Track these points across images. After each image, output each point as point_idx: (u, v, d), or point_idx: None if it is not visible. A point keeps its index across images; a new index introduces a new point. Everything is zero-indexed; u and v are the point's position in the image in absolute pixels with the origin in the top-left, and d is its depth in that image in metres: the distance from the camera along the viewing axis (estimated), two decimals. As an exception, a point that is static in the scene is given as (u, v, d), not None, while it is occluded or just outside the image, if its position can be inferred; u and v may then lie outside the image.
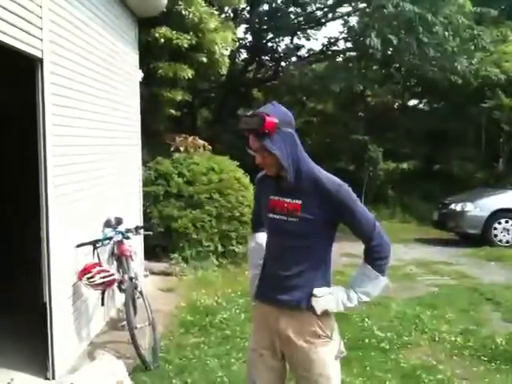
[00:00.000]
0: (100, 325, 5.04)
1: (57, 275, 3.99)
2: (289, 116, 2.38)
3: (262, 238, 2.61)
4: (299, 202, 2.34)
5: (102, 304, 4.75)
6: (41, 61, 3.84)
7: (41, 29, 3.82)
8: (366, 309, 5.74)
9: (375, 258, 2.39)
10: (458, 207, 10.97)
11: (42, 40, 3.83)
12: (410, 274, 8.02)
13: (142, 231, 5.62)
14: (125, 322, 4.77)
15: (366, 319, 5.42)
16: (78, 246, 4.42)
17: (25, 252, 4.73)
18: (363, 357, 4.49)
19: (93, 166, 4.96)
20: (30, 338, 4.18)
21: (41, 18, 3.81)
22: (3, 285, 5.03)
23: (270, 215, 2.42)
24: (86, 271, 4.36)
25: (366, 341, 4.84)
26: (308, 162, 2.40)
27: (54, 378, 3.91)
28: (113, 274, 4.56)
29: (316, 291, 2.36)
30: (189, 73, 8.46)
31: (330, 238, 2.44)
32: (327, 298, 2.36)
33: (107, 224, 5.18)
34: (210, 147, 8.90)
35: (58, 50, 4.13)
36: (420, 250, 10.25)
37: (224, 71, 9.69)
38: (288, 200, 2.37)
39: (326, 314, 2.38)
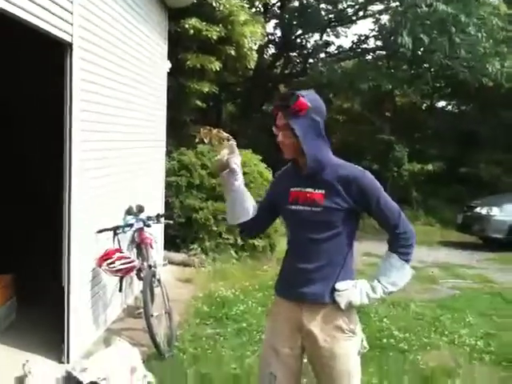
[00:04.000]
0: (117, 311, 5.06)
1: (76, 260, 4.01)
2: (322, 106, 2.36)
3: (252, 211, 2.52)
4: (322, 191, 2.31)
5: (120, 290, 4.77)
6: (70, 46, 3.85)
7: (71, 13, 3.82)
8: (385, 309, 5.67)
9: (401, 245, 2.33)
10: (483, 211, 10.80)
11: (72, 25, 3.83)
12: (431, 276, 7.90)
13: (162, 219, 5.63)
14: (141, 310, 4.79)
15: (385, 319, 5.34)
16: (99, 231, 4.44)
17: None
18: (381, 356, 4.42)
19: (117, 154, 4.98)
20: (48, 320, 4.22)
21: (71, 2, 3.82)
22: (27, 270, 5.07)
23: (293, 207, 2.36)
24: (106, 257, 4.37)
25: (384, 341, 4.77)
26: (329, 153, 2.37)
27: (68, 362, 3.93)
28: (133, 261, 4.57)
29: (338, 285, 2.30)
30: (216, 65, 8.44)
31: (353, 230, 2.39)
32: (350, 291, 2.29)
33: (129, 211, 5.20)
34: (234, 140, 8.85)
35: (88, 35, 4.14)
36: (443, 253, 10.10)
37: (252, 65, 9.64)
38: (310, 190, 2.33)
39: (350, 308, 2.32)
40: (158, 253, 5.80)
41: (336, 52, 16.87)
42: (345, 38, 20.36)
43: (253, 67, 10.04)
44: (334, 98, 17.01)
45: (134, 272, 4.81)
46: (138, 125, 5.74)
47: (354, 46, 16.71)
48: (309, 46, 16.60)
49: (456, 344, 4.88)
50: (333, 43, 16.77)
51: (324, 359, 2.33)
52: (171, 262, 6.87)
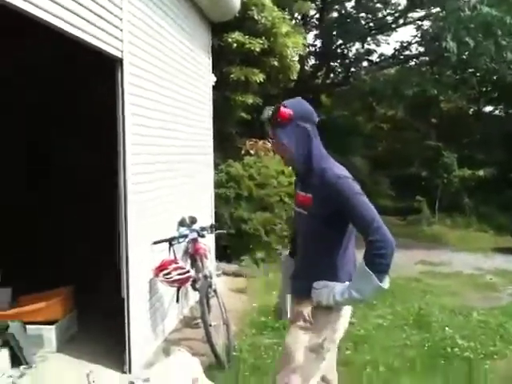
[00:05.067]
0: (174, 322, 5.08)
1: (134, 271, 4.05)
2: (307, 111, 2.47)
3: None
4: (310, 195, 2.44)
5: (177, 301, 4.78)
6: (121, 61, 3.93)
7: (121, 30, 3.91)
8: (446, 317, 5.49)
9: (370, 254, 2.25)
10: (540, 216, 10.40)
11: (122, 41, 3.92)
12: (490, 284, 7.62)
13: (216, 230, 5.64)
14: (198, 320, 4.79)
15: (447, 328, 5.17)
16: (155, 242, 4.47)
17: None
18: (446, 366, 4.26)
19: (168, 167, 5.03)
20: (109, 331, 4.26)
21: (121, 19, 3.90)
22: (90, 281, 5.14)
23: (296, 209, 2.57)
24: (162, 267, 4.40)
25: (449, 350, 4.60)
26: (321, 158, 2.44)
27: (130, 372, 3.95)
28: (188, 271, 4.58)
29: (315, 284, 2.42)
30: (260, 77, 8.49)
31: (340, 232, 2.43)
32: (321, 291, 2.39)
33: (182, 223, 5.22)
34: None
35: (137, 51, 4.22)
36: (499, 260, 9.73)
37: (295, 76, 9.66)
38: (302, 193, 2.49)
39: (324, 307, 2.41)
40: (211, 263, 5.80)
41: (378, 60, 16.74)
42: (386, 45, 20.14)
43: (295, 78, 10.04)
44: (378, 106, 16.84)
45: (189, 283, 4.81)
46: (185, 138, 5.79)
47: (397, 53, 16.54)
48: (350, 55, 16.54)
49: (525, 352, 4.67)
50: (375, 51, 16.67)
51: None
52: (223, 273, 6.87)
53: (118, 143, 3.94)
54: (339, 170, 2.41)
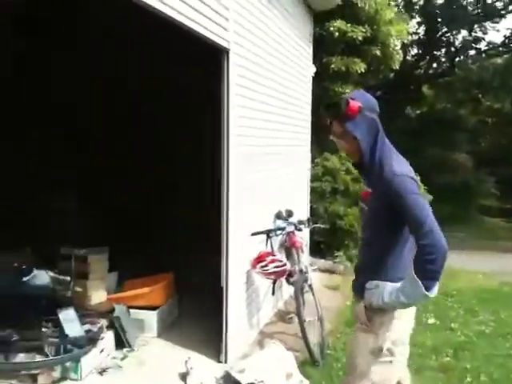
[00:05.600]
0: (269, 315, 5.08)
1: (234, 261, 4.08)
2: (373, 102, 2.42)
3: None
4: (370, 190, 2.45)
5: (273, 293, 4.78)
6: (227, 52, 3.93)
7: (227, 20, 3.90)
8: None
9: (420, 259, 2.13)
10: None
11: (228, 31, 3.92)
12: None
13: (313, 224, 5.56)
14: (292, 315, 4.76)
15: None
16: (253, 234, 4.48)
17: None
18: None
19: (268, 159, 5.01)
20: (207, 319, 4.34)
21: (227, 9, 3.90)
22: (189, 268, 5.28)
23: (361, 203, 2.57)
24: (260, 259, 4.40)
25: None
26: (383, 151, 2.37)
27: (226, 362, 4.00)
28: (285, 264, 4.55)
29: (368, 283, 2.37)
30: (362, 67, 8.25)
31: (396, 232, 2.33)
32: (372, 292, 2.34)
33: (278, 216, 5.20)
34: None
35: (242, 41, 4.20)
36: None
37: (397, 66, 9.29)
38: (367, 189, 2.51)
39: (377, 308, 2.33)
40: (306, 258, 5.74)
41: (485, 48, 15.76)
42: (496, 32, 18.94)
43: (398, 67, 9.67)
44: (483, 98, 15.90)
45: (284, 276, 4.78)
46: (286, 130, 5.75)
47: (507, 41, 15.48)
48: (456, 43, 15.68)
49: None
50: (482, 39, 15.70)
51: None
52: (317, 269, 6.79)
53: (221, 134, 3.95)
54: (399, 166, 2.31)
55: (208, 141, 4.70)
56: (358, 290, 2.46)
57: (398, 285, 2.24)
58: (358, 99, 2.36)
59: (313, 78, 7.18)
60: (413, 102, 14.85)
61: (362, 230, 2.61)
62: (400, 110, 14.87)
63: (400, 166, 2.31)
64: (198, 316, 4.62)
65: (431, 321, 5.41)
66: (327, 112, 2.45)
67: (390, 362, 2.36)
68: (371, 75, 9.64)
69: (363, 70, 8.30)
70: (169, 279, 4.73)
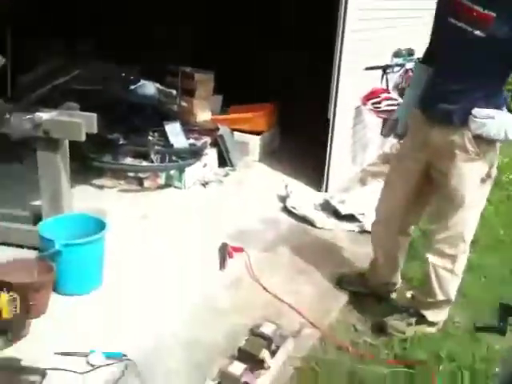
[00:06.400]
0: (373, 155, 4.88)
1: (343, 94, 3.82)
2: None
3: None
4: (493, 14, 2.01)
5: (381, 133, 4.52)
6: None
7: None
8: None
9: None
10: None
11: None
12: None
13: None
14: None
15: None
16: (368, 68, 4.13)
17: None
18: None
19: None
20: (309, 151, 4.24)
21: None
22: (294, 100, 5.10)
23: (452, 20, 2.12)
24: (372, 96, 4.11)
25: None
26: None
27: (326, 192, 3.94)
28: (399, 105, 4.23)
29: (476, 111, 2.15)
30: None
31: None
32: (485, 121, 2.14)
33: (397, 54, 4.75)
34: None
35: None
36: None
37: None
38: (478, 8, 2.04)
39: (483, 137, 2.17)
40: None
41: None
42: None
43: None
44: None
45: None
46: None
47: None
48: None
49: None
50: None
51: (441, 176, 2.32)
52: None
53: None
54: None
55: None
56: (448, 116, 2.20)
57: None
58: None
59: None
60: None
61: (451, 52, 2.18)
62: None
63: None
64: (300, 147, 4.52)
65: None
66: None
67: (489, 185, 2.34)
68: None
69: None
70: (272, 108, 4.61)
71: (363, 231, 3.42)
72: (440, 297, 2.46)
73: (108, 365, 1.96)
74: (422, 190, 2.47)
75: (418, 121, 2.37)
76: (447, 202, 2.33)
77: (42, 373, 1.83)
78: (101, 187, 3.64)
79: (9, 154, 3.58)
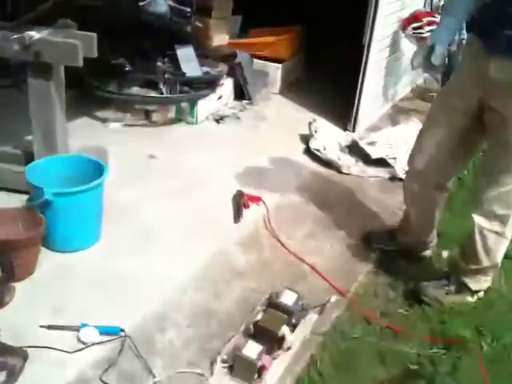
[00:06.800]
0: (406, 90, 4.42)
1: (380, 18, 3.34)
2: None
3: None
4: None
5: (412, 63, 4.03)
6: None
7: None
8: None
9: None
10: None
11: None
12: None
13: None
14: (434, 94, 4.09)
15: None
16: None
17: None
18: None
19: None
20: (338, 84, 3.79)
21: None
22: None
23: None
24: (414, 19, 3.61)
25: None
26: None
27: (354, 132, 3.54)
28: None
29: None
30: None
31: None
32: None
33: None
34: None
35: None
36: None
37: None
38: None
39: None
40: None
41: None
42: None
43: None
44: None
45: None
46: None
47: None
48: None
49: None
50: None
51: (497, 120, 1.93)
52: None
53: None
54: None
55: None
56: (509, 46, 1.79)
57: None
58: None
59: None
60: None
61: None
62: None
63: None
64: (326, 78, 4.07)
65: None
66: None
67: None
68: None
69: None
70: (297, 32, 4.12)
71: (394, 178, 3.08)
72: (485, 263, 2.13)
73: (102, 342, 1.69)
74: (469, 137, 2.07)
75: (472, 49, 1.98)
76: (502, 152, 1.96)
77: (24, 354, 1.55)
78: (104, 120, 3.28)
79: (7, 80, 3.19)
